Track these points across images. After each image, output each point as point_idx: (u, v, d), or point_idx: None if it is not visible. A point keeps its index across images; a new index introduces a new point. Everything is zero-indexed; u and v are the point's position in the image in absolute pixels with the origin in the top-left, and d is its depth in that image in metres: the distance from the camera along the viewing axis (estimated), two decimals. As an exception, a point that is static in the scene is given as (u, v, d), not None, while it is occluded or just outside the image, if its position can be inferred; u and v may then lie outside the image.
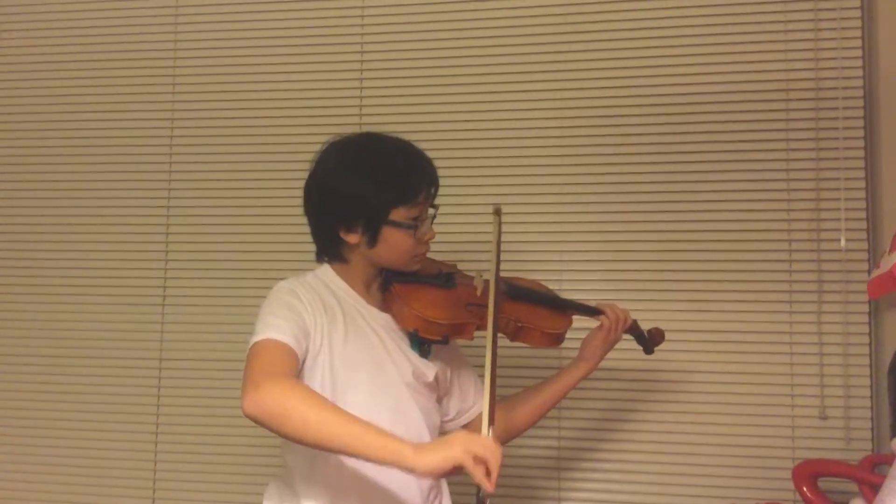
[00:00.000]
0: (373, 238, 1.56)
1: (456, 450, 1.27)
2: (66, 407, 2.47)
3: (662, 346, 1.91)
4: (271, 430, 1.36)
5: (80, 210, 2.53)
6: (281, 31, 2.46)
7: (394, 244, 1.57)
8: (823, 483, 1.90)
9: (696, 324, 2.17)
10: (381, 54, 2.40)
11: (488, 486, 1.26)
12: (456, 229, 2.16)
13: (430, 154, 1.63)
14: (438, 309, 1.58)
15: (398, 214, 1.55)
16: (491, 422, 1.35)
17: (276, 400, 1.33)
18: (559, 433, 2.22)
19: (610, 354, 1.79)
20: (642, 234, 2.22)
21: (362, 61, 2.41)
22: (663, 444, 2.17)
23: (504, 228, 1.57)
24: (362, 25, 2.41)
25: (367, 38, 2.41)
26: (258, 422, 1.35)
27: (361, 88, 2.40)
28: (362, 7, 2.41)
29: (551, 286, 1.87)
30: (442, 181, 1.64)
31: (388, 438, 1.31)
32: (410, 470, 1.28)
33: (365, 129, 1.80)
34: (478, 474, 1.26)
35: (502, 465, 1.28)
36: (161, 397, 2.43)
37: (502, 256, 1.60)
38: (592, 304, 1.80)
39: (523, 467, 2.22)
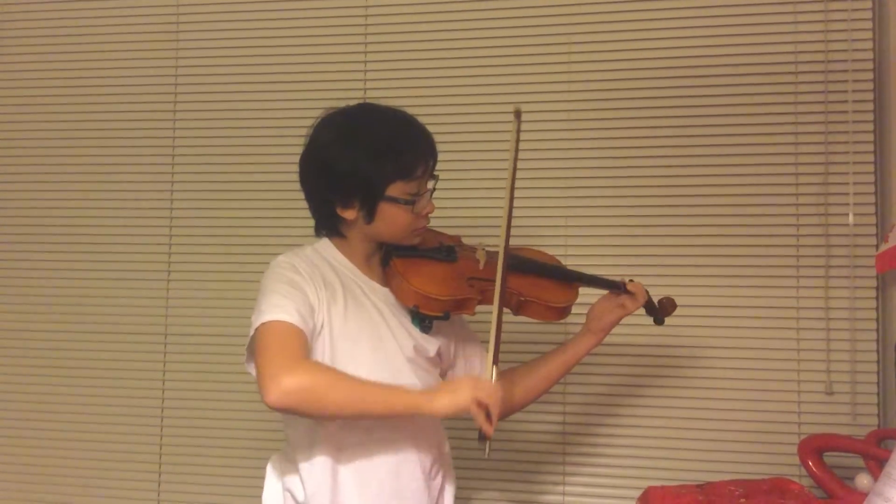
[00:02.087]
0: (370, 214, 1.53)
1: (461, 396, 1.40)
2: (71, 382, 2.48)
3: (669, 320, 1.87)
4: (299, 415, 1.43)
5: (84, 186, 2.53)
6: (284, 6, 2.44)
7: (392, 220, 1.53)
8: (829, 458, 1.89)
9: (703, 299, 2.15)
10: (385, 26, 2.37)
11: (488, 430, 1.40)
12: (460, 204, 2.15)
13: (433, 128, 1.60)
14: (438, 284, 1.55)
15: (395, 190, 1.51)
16: (495, 364, 1.46)
17: (298, 388, 1.36)
18: (564, 408, 2.22)
19: (616, 329, 1.75)
20: (649, 210, 2.20)
21: (366, 35, 2.39)
22: (669, 419, 2.16)
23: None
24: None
25: (371, 12, 2.39)
26: (285, 411, 1.40)
27: (365, 63, 2.38)
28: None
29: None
30: (447, 155, 1.61)
31: (404, 396, 1.44)
32: (430, 415, 1.43)
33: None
34: (479, 418, 1.40)
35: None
36: (166, 372, 2.44)
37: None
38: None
39: (529, 441, 2.21)
